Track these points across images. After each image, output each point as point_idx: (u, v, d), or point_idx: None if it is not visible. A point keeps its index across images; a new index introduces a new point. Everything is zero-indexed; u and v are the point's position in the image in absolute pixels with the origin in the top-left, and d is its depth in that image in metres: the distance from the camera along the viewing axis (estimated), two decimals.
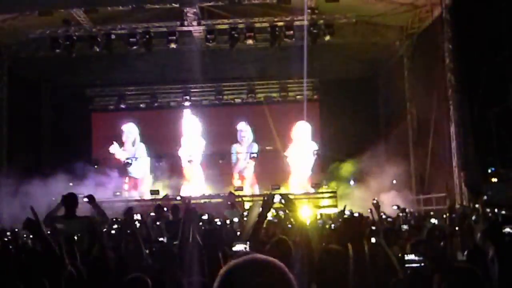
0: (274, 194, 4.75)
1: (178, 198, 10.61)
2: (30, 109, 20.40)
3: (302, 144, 22.35)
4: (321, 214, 13.55)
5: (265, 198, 4.70)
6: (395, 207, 12.75)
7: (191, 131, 22.76)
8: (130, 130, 22.89)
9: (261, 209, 4.68)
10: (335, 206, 19.00)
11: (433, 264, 4.26)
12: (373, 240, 6.66)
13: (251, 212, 7.82)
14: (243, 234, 6.84)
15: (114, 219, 10.74)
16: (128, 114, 23.07)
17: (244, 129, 22.65)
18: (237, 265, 1.72)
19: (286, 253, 4.53)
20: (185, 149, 22.54)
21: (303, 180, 21.96)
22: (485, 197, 12.49)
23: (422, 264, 4.33)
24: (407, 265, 4.39)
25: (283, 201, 4.77)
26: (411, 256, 4.44)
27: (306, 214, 13.77)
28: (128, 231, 6.37)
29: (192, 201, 9.51)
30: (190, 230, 5.44)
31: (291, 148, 22.28)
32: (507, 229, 5.34)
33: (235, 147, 22.70)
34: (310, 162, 22.16)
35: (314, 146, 22.25)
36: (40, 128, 21.77)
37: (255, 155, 22.35)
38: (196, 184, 21.91)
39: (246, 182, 22.17)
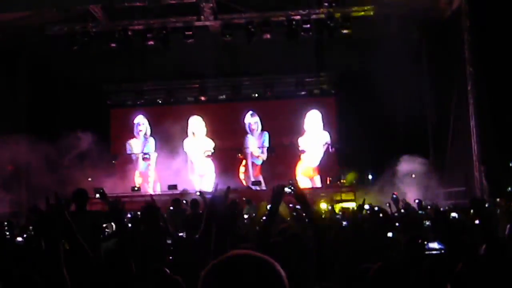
0: (284, 185, 4.29)
1: (198, 193, 10.62)
2: (48, 106, 20.53)
3: (313, 133, 22.32)
4: (341, 208, 13.45)
5: (275, 189, 4.21)
6: (417, 201, 12.66)
7: (201, 126, 22.72)
8: (142, 124, 22.97)
9: (270, 203, 4.31)
10: (353, 200, 18.89)
11: (455, 252, 4.15)
12: (389, 234, 6.56)
13: (260, 209, 7.66)
14: (251, 231, 6.71)
15: (132, 213, 10.76)
16: (145, 109, 23.15)
17: (252, 120, 22.63)
18: (219, 263, 1.62)
19: (299, 249, 4.31)
20: (197, 144, 22.53)
21: (310, 170, 21.93)
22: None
23: (443, 252, 4.24)
24: (427, 253, 4.30)
25: (293, 192, 4.40)
26: (433, 244, 4.37)
27: (322, 207, 13.69)
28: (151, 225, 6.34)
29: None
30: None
31: (303, 138, 22.26)
32: None
33: (248, 138, 22.72)
34: (320, 152, 22.08)
35: (326, 136, 22.18)
36: (58, 125, 21.90)
37: (265, 149, 22.31)
38: (210, 179, 21.87)
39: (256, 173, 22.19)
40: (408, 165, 17.98)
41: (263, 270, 1.60)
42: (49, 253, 2.65)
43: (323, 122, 22.40)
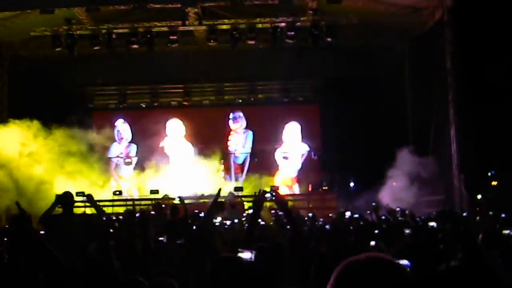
0: (265, 191, 4.43)
1: (177, 198, 10.61)
2: (31, 108, 20.36)
3: (292, 145, 22.36)
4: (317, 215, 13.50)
5: (256, 195, 4.39)
6: (398, 209, 12.76)
7: (179, 130, 22.67)
8: (123, 128, 22.77)
9: (253, 208, 4.37)
10: (335, 208, 18.95)
11: (417, 269, 4.17)
12: (372, 243, 6.59)
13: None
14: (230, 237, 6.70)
15: (115, 218, 10.72)
16: (128, 113, 23.01)
17: (236, 115, 22.56)
18: (357, 262, 1.65)
19: (281, 258, 4.30)
20: (175, 148, 22.43)
21: (288, 180, 21.97)
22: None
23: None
24: None
25: (274, 198, 4.44)
26: (403, 261, 4.39)
27: (304, 215, 13.73)
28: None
29: (187, 201, 9.51)
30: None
31: (281, 149, 22.28)
32: (508, 232, 5.34)
33: (233, 136, 22.69)
34: (298, 163, 22.13)
35: (304, 147, 22.23)
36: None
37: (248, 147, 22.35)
38: (191, 184, 21.73)
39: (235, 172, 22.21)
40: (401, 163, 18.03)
41: (398, 273, 1.64)
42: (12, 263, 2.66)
43: (302, 133, 22.43)
